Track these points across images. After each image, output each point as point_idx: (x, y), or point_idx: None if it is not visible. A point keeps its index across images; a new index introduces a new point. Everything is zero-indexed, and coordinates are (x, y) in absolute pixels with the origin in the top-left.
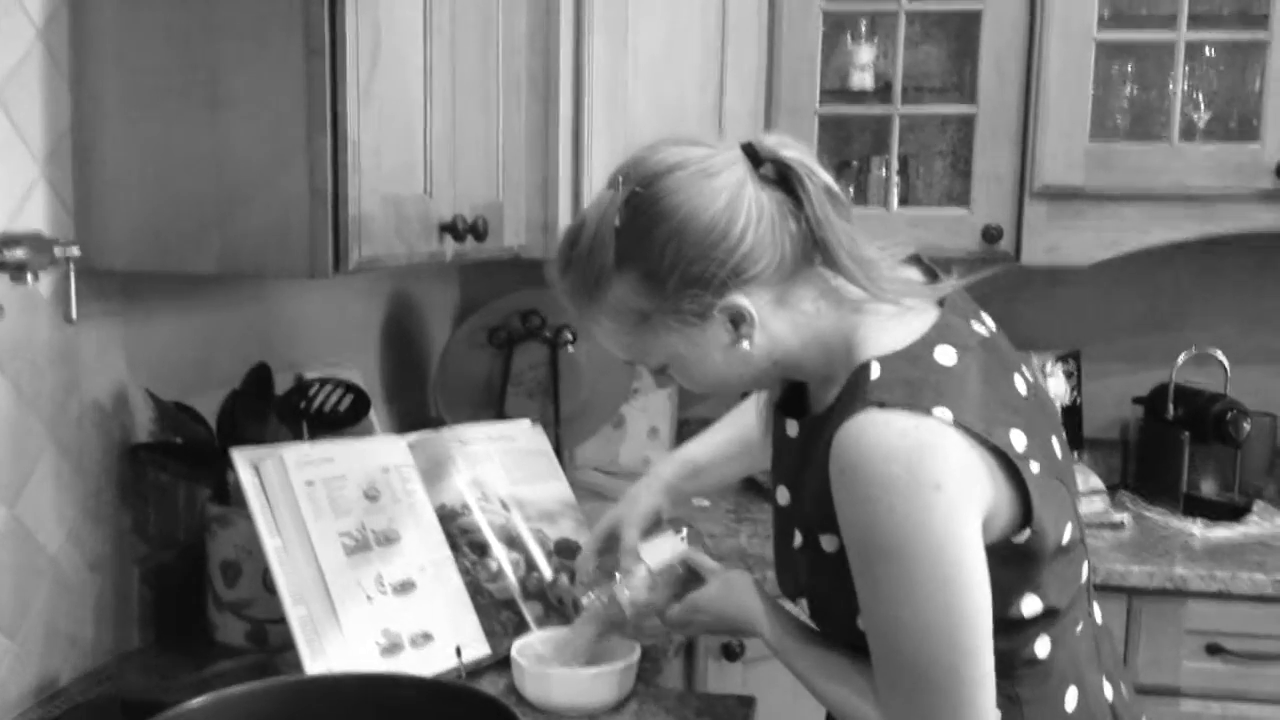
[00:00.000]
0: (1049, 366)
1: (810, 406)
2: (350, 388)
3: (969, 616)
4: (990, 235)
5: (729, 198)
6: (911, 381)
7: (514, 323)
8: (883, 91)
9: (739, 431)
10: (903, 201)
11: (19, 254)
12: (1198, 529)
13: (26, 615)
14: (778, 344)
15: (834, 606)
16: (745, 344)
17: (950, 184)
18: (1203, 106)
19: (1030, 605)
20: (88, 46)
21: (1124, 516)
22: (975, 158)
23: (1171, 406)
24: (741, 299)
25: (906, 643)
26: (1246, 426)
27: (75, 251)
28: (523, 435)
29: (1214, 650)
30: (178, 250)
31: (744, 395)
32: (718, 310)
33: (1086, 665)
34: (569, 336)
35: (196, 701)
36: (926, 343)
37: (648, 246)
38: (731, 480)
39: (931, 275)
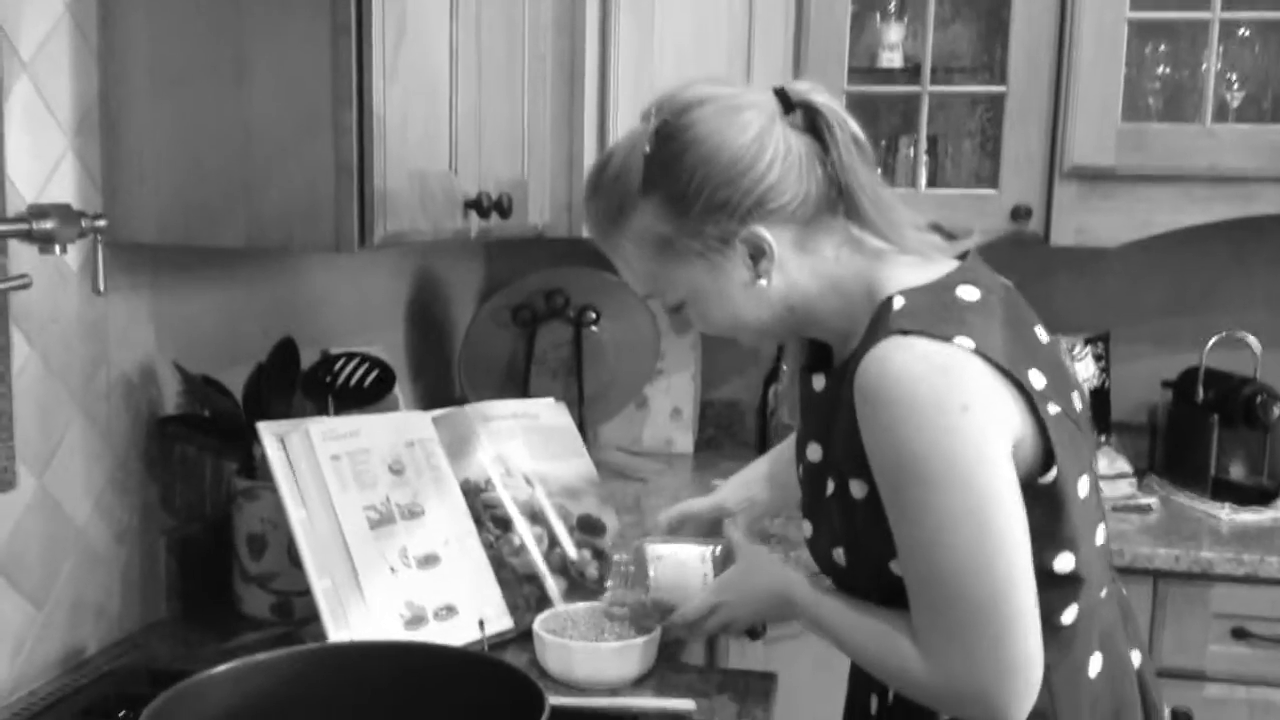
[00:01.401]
0: (1078, 349)
1: (835, 356)
2: (375, 363)
3: (1005, 543)
4: (1019, 215)
5: (757, 131)
6: (934, 311)
7: (538, 302)
8: (911, 71)
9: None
10: (931, 182)
11: (47, 225)
12: (1225, 513)
13: (54, 585)
14: (795, 288)
15: (868, 552)
16: (763, 281)
17: (979, 164)
18: (1236, 87)
19: (1063, 562)
20: (115, 20)
21: (1152, 500)
22: (1004, 138)
23: (1201, 390)
24: (763, 231)
25: (945, 567)
26: (1276, 410)
27: (103, 224)
28: (546, 412)
29: (1240, 634)
30: (205, 223)
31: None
32: (739, 240)
33: (1112, 632)
34: (593, 316)
35: (221, 668)
36: (949, 282)
37: (675, 172)
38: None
39: (949, 239)
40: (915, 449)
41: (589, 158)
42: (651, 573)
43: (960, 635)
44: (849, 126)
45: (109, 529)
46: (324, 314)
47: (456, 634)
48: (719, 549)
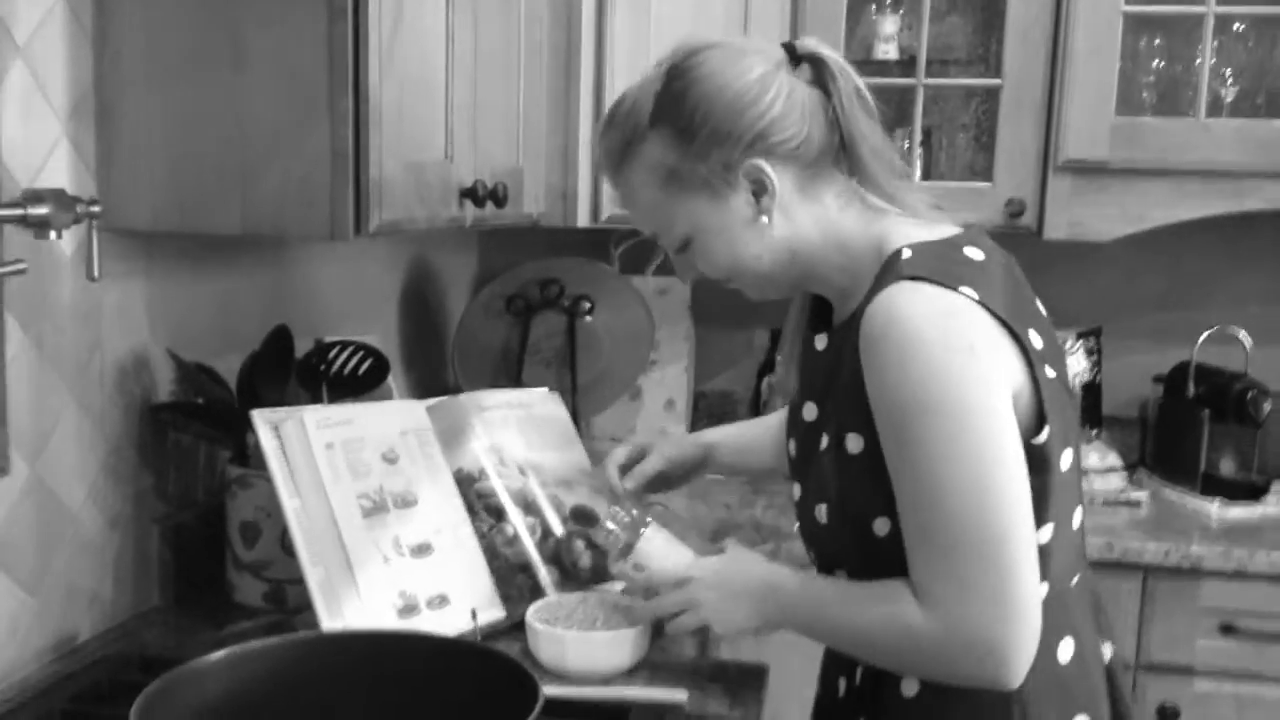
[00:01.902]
0: (1070, 343)
1: (834, 323)
2: (370, 352)
3: (1009, 485)
4: (1013, 209)
5: (761, 72)
6: (942, 262)
7: (532, 291)
8: (907, 63)
9: (770, 430)
10: (925, 174)
11: (42, 211)
12: (1215, 508)
13: (47, 572)
14: (798, 234)
15: (853, 508)
16: (765, 219)
17: (973, 157)
18: (1230, 82)
19: (1042, 533)
20: (111, 5)
21: (1142, 494)
22: (999, 131)
23: (1192, 385)
24: (765, 164)
25: (949, 505)
26: (1267, 406)
27: (97, 210)
28: (540, 402)
29: (1228, 630)
30: (199, 210)
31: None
32: (742, 172)
33: (1083, 620)
34: (587, 306)
35: (213, 657)
36: (956, 241)
37: (681, 105)
38: (755, 469)
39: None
40: (923, 384)
41: (584, 147)
42: (639, 545)
43: (965, 578)
44: (852, 78)
45: (102, 516)
46: (318, 302)
47: (449, 623)
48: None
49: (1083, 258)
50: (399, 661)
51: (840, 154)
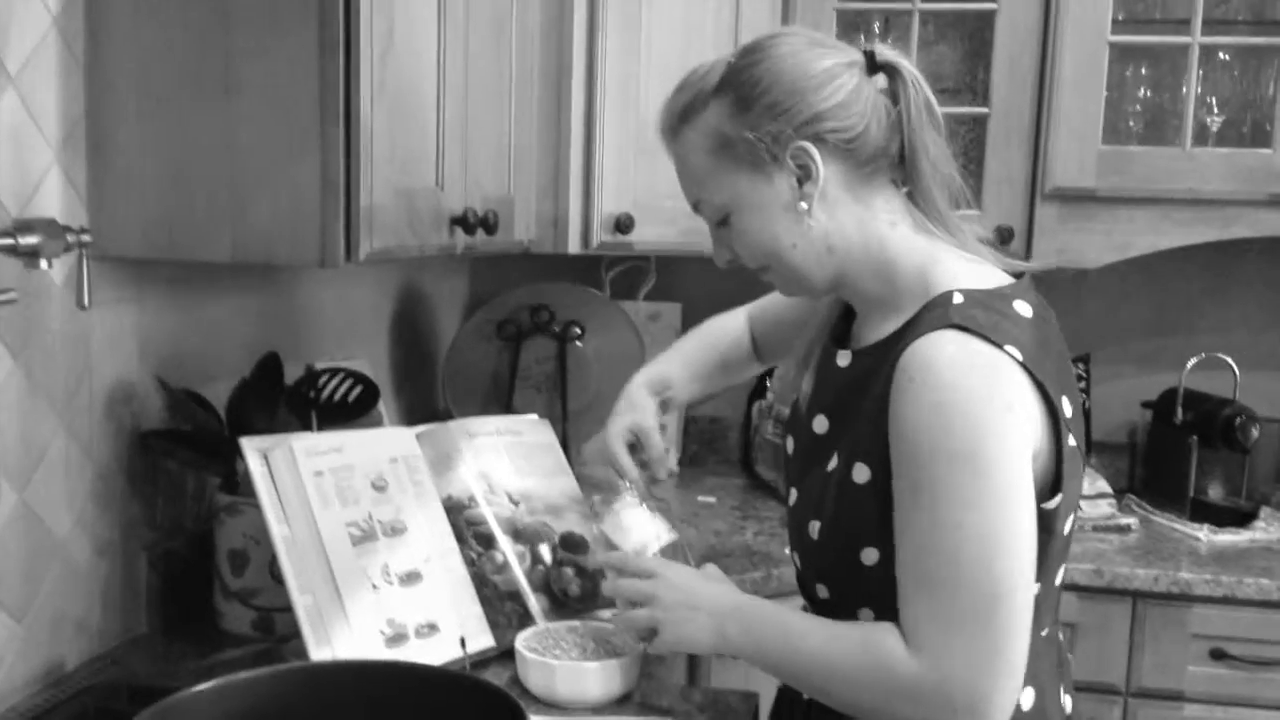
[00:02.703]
0: None
1: (855, 335)
2: (359, 378)
3: (1019, 543)
4: (1001, 237)
5: (833, 64)
6: (990, 315)
7: (523, 317)
8: None
9: (725, 347)
10: None
11: (32, 240)
12: (1204, 534)
13: (34, 599)
14: (840, 233)
15: (845, 534)
16: (804, 205)
17: (961, 185)
18: (1216, 111)
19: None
20: (102, 34)
21: (1131, 520)
22: (987, 159)
23: (1180, 411)
24: (814, 150)
25: (960, 553)
26: (1255, 432)
27: (88, 238)
28: (530, 429)
29: (1219, 655)
30: (190, 238)
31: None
32: (790, 152)
33: (1048, 672)
34: (577, 332)
35: (202, 687)
36: (1008, 293)
37: (747, 77)
38: (707, 393)
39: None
40: (961, 430)
41: (575, 174)
42: (616, 508)
43: (962, 630)
44: (925, 91)
45: (90, 543)
46: (308, 328)
47: (438, 652)
48: (670, 544)
49: (1071, 284)
50: (387, 692)
51: (899, 165)
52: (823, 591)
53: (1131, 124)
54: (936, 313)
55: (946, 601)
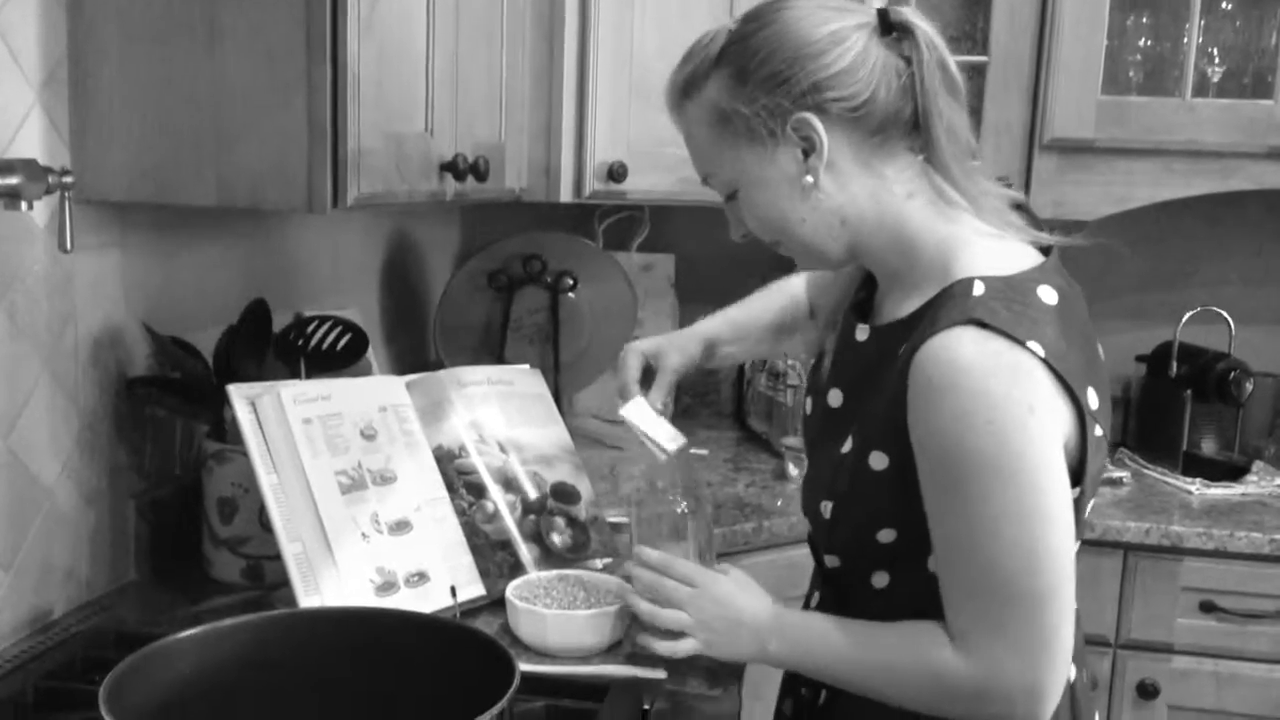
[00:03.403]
0: None
1: (876, 308)
2: (348, 326)
3: (1057, 541)
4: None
5: (838, 28)
6: (1012, 308)
7: (514, 267)
8: None
9: (780, 309)
10: None
11: (13, 181)
12: (1196, 487)
13: (21, 547)
14: (852, 205)
15: (862, 515)
16: (810, 179)
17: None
18: (1216, 61)
19: None
20: None
21: (1123, 474)
22: (985, 108)
23: (1174, 365)
24: (816, 121)
25: (1003, 561)
26: (1249, 386)
27: (70, 180)
28: (522, 379)
29: (1208, 608)
30: (174, 181)
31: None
32: (790, 125)
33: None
34: (570, 282)
35: (188, 633)
36: (1031, 278)
37: (747, 47)
38: (754, 355)
39: (1035, 224)
40: (984, 440)
41: (568, 121)
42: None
43: (1009, 632)
44: (939, 51)
45: (77, 490)
46: (297, 276)
47: (428, 600)
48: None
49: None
50: (375, 640)
51: (914, 132)
52: (833, 561)
53: (1132, 74)
54: (956, 303)
55: (991, 607)
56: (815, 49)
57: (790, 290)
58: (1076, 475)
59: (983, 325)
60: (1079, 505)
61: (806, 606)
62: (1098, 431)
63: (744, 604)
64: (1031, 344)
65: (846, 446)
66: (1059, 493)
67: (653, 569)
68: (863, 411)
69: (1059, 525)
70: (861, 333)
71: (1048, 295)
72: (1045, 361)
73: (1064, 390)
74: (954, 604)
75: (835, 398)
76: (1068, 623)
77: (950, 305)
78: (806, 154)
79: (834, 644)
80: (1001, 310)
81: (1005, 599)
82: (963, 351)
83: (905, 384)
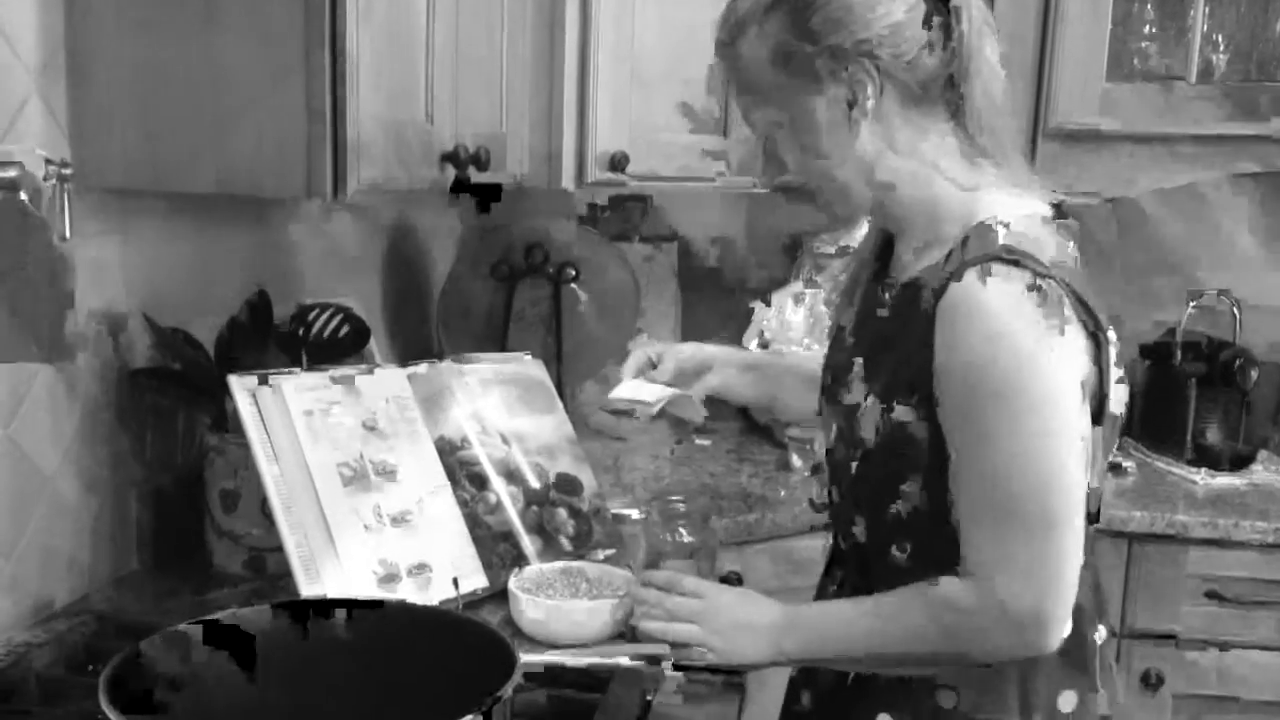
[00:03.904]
0: None
1: (895, 266)
2: (350, 316)
3: (1073, 470)
4: None
5: None
6: (1038, 247)
7: (516, 257)
8: None
9: (788, 368)
10: None
11: (11, 172)
12: (1201, 476)
13: (22, 536)
14: (890, 153)
15: (884, 469)
16: (857, 123)
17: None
18: (1221, 48)
19: None
20: None
21: (1129, 463)
22: None
23: (1179, 352)
24: (873, 69)
25: (1015, 486)
26: (1254, 374)
27: (69, 170)
28: (524, 369)
29: (1213, 597)
30: (173, 168)
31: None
32: (844, 70)
33: (1079, 604)
34: (572, 273)
35: (190, 623)
36: (1051, 227)
37: None
38: (769, 401)
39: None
40: (1011, 361)
41: (569, 109)
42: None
43: (1019, 557)
44: (984, 14)
45: (79, 480)
46: (298, 266)
47: (430, 592)
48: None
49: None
50: (377, 631)
51: (952, 89)
52: (859, 530)
53: (1136, 60)
54: (982, 241)
55: (1004, 527)
56: (871, 1)
57: (804, 361)
58: (1096, 415)
59: (1009, 259)
60: (1093, 442)
61: (819, 597)
62: (1116, 371)
63: (753, 609)
64: (1058, 273)
65: (868, 400)
66: (1076, 421)
67: (659, 588)
68: (887, 366)
69: (1076, 451)
70: (887, 291)
71: (1068, 245)
72: (1071, 290)
73: (1089, 317)
74: (969, 539)
75: (858, 360)
76: (1075, 560)
77: (975, 244)
78: (854, 100)
79: (849, 619)
80: (1027, 245)
81: (1015, 522)
82: (991, 280)
83: (932, 326)
